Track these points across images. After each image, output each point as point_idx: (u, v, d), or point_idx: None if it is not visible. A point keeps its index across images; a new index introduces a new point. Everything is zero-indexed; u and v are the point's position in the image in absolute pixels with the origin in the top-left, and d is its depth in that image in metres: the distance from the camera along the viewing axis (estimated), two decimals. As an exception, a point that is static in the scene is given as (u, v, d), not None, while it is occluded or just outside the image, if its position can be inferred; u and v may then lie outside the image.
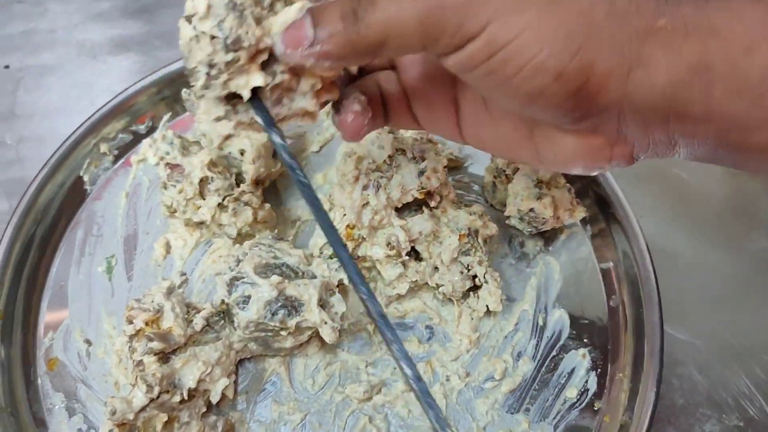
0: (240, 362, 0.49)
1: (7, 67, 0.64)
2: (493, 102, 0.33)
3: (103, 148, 0.57)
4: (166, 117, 0.59)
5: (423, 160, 0.50)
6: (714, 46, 0.27)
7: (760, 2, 0.28)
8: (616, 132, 0.31)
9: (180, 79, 0.59)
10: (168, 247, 0.54)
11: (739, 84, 0.28)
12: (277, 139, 0.33)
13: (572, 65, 0.28)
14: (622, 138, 0.32)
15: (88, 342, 0.50)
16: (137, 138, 0.59)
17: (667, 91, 0.28)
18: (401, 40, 0.29)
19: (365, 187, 0.49)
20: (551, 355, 0.50)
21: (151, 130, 0.59)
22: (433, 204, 0.50)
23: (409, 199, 0.49)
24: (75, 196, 0.56)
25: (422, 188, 0.49)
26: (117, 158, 0.58)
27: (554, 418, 0.48)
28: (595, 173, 0.36)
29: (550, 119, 0.32)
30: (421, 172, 0.49)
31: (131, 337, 0.44)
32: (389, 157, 0.50)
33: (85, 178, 0.56)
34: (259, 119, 0.33)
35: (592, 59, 0.28)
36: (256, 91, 0.33)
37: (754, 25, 0.27)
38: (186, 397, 0.43)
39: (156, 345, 0.42)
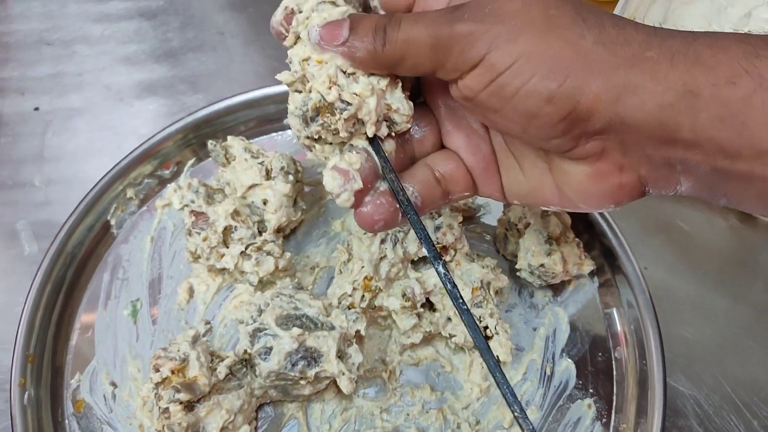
0: (260, 406, 0.51)
1: (36, 109, 0.66)
2: (498, 127, 0.36)
3: (130, 192, 0.59)
4: (190, 162, 0.62)
5: (439, 215, 0.52)
6: (699, 75, 0.29)
7: (745, 41, 0.30)
8: (620, 155, 0.33)
9: (205, 125, 0.61)
10: (191, 292, 0.56)
11: (723, 112, 0.29)
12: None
13: (562, 90, 0.31)
14: (627, 162, 0.33)
15: (114, 384, 0.52)
16: (162, 182, 0.61)
17: (656, 114, 0.30)
18: (416, 59, 0.34)
19: (383, 241, 0.51)
20: (558, 405, 0.52)
21: (175, 175, 0.61)
22: (447, 258, 0.52)
23: (425, 253, 0.51)
24: (102, 239, 0.58)
25: (437, 243, 0.51)
26: (142, 202, 0.60)
27: (560, 468, 0.50)
28: (614, 207, 0.37)
29: (550, 143, 0.34)
30: (437, 228, 0.51)
31: (157, 385, 0.46)
32: (406, 211, 0.52)
33: (112, 222, 0.58)
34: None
35: (580, 84, 0.30)
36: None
37: (737, 57, 0.29)
38: (210, 445, 0.46)
39: (183, 396, 0.44)
